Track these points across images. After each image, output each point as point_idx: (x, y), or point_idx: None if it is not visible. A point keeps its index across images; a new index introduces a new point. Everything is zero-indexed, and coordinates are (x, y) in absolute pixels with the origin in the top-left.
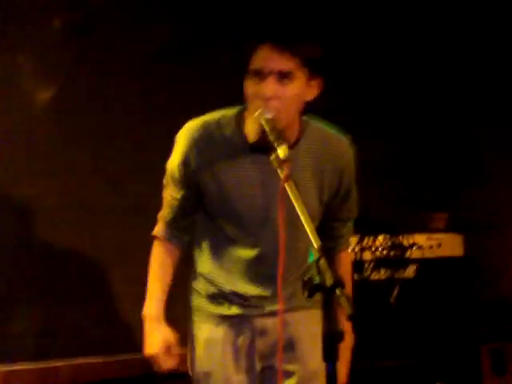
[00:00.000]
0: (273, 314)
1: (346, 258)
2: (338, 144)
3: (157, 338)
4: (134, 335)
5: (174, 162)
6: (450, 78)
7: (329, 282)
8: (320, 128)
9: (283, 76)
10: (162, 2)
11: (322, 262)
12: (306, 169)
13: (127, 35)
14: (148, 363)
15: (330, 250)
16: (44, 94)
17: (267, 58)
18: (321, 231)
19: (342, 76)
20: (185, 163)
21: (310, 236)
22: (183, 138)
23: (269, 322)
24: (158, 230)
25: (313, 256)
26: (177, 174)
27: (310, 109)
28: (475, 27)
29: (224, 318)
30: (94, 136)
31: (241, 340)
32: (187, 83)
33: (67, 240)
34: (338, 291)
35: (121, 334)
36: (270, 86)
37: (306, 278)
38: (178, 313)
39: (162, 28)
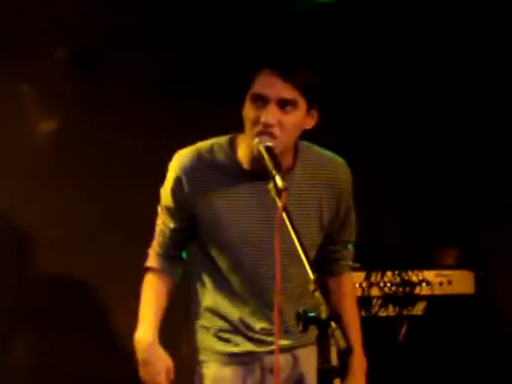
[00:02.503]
0: (282, 350)
1: (348, 279)
2: (333, 167)
3: (160, 366)
4: (135, 373)
5: (166, 189)
6: (461, 112)
7: (324, 314)
8: (315, 151)
9: (286, 104)
10: (163, 31)
11: (317, 294)
12: (303, 194)
13: (129, 65)
14: None
15: (331, 273)
16: (46, 124)
17: (269, 85)
18: (321, 255)
19: (351, 108)
20: (177, 189)
21: (306, 267)
22: (175, 165)
23: (279, 359)
24: (151, 261)
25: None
26: (170, 201)
27: (317, 141)
28: (486, 54)
29: (232, 357)
30: (96, 166)
31: (250, 379)
32: (188, 113)
33: (68, 272)
34: (333, 324)
35: (122, 371)
36: (273, 113)
37: (300, 310)
38: (183, 353)
39: (163, 57)
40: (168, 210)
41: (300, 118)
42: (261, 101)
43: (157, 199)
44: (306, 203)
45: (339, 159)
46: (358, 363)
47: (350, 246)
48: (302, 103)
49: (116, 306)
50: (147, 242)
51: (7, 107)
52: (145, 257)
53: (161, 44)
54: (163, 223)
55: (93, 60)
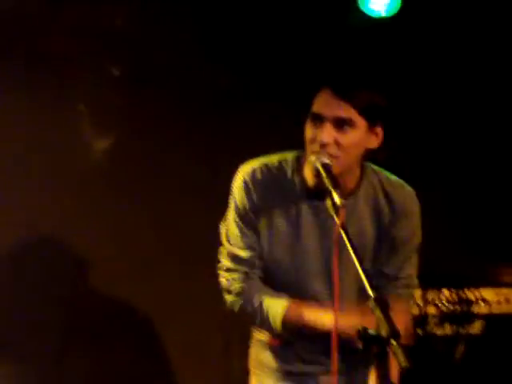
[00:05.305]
0: (338, 372)
1: (402, 308)
2: (399, 193)
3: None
4: None
5: (239, 202)
6: None
7: (384, 332)
8: (382, 176)
9: (342, 123)
10: (217, 50)
11: (377, 312)
12: (365, 216)
13: (184, 83)
14: None
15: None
16: (102, 142)
17: (326, 104)
18: (377, 282)
19: (406, 125)
20: (249, 201)
21: (366, 286)
22: (244, 177)
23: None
24: (234, 301)
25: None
26: (244, 215)
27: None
28: None
29: (288, 374)
30: (150, 185)
31: None
32: (243, 132)
33: (121, 290)
34: (393, 342)
35: None
36: (328, 132)
37: (360, 329)
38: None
39: (217, 76)
40: (242, 226)
41: (359, 137)
42: (318, 120)
43: (213, 216)
44: (367, 226)
45: (408, 187)
46: None
47: (409, 276)
48: (361, 122)
49: (167, 323)
50: (201, 257)
51: (62, 125)
52: (197, 273)
53: (215, 60)
54: (231, 255)
55: (146, 77)
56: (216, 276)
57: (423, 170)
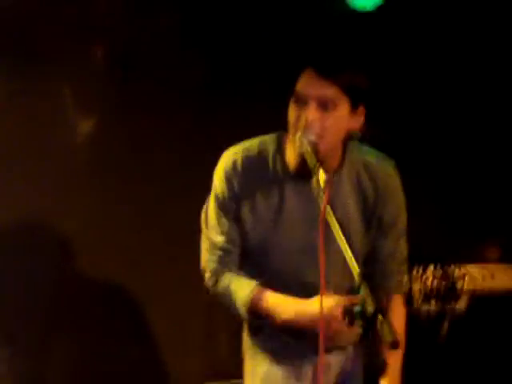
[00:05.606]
0: (334, 348)
1: (398, 301)
2: (381, 169)
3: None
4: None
5: (219, 190)
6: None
7: (370, 309)
8: (363, 153)
9: (325, 103)
10: (202, 34)
11: (363, 288)
12: (349, 195)
13: (168, 67)
14: None
15: (381, 290)
16: (85, 125)
17: (309, 84)
18: (369, 269)
19: (394, 107)
20: (229, 190)
21: (349, 262)
22: (224, 165)
23: (331, 358)
24: (210, 282)
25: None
26: (222, 203)
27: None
28: None
29: (283, 357)
30: (135, 170)
31: (302, 376)
32: (228, 115)
33: (106, 274)
34: (379, 317)
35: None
36: (312, 112)
37: (346, 306)
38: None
39: (202, 60)
40: (221, 211)
41: (342, 118)
42: (302, 101)
43: (193, 199)
44: (352, 204)
45: (388, 160)
46: (395, 360)
47: (400, 264)
48: (344, 103)
49: (155, 306)
50: (186, 242)
51: (45, 108)
52: (184, 258)
53: (196, 45)
54: (209, 239)
55: (130, 61)
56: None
57: (406, 148)
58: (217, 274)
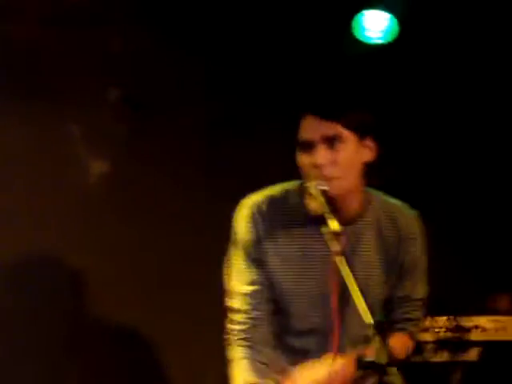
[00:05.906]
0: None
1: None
2: (403, 217)
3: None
4: None
5: (243, 236)
6: None
7: (383, 360)
8: (384, 200)
9: (331, 140)
10: (214, 77)
11: (377, 339)
12: (370, 242)
13: (181, 109)
14: None
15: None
16: (98, 166)
17: (311, 129)
18: (387, 310)
19: (404, 149)
20: (254, 235)
21: (361, 313)
22: (248, 211)
23: None
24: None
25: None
26: (250, 251)
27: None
28: None
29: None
30: (148, 209)
31: None
32: (241, 156)
33: (119, 313)
34: (391, 370)
35: None
36: (322, 154)
37: (359, 355)
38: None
39: (215, 102)
40: (247, 260)
41: (352, 150)
42: (308, 147)
43: (211, 245)
44: (373, 251)
45: (410, 210)
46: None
47: (418, 305)
48: (350, 136)
49: (168, 348)
50: (199, 283)
51: (58, 148)
52: (198, 298)
53: (211, 89)
54: (242, 280)
55: (143, 102)
56: (216, 293)
57: (421, 196)
58: (244, 331)
